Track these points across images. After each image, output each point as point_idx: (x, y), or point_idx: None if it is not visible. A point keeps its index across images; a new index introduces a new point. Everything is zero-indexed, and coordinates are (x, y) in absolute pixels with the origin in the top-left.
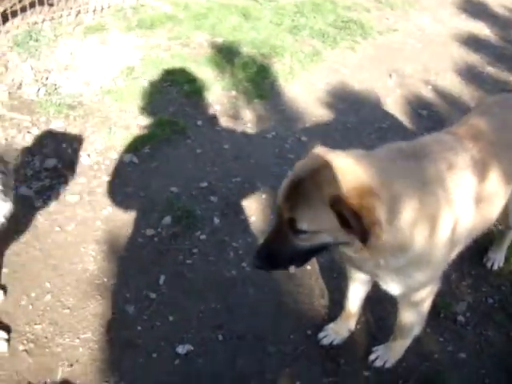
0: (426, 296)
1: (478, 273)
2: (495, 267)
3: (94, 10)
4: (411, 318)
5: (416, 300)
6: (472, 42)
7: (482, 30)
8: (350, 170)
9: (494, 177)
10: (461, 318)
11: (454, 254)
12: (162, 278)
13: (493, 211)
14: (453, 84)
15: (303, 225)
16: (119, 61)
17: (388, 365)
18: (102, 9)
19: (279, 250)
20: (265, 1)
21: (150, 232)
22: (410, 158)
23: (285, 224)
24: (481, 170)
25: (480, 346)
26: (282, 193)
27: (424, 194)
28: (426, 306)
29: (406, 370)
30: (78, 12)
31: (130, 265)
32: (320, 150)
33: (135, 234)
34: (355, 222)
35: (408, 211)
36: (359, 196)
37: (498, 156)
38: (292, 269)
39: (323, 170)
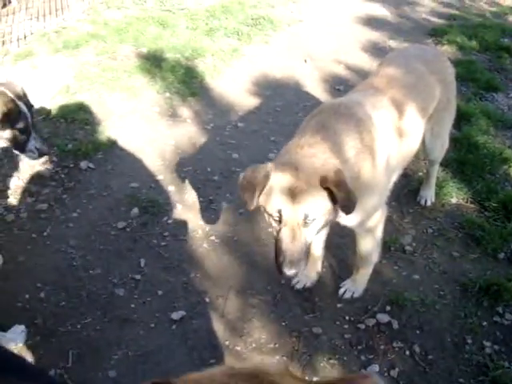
0: (378, 221)
1: (415, 210)
2: (428, 203)
3: (18, 39)
4: (369, 245)
5: (370, 226)
6: (372, 22)
7: (379, 10)
8: (317, 160)
9: (410, 113)
10: (408, 247)
11: (392, 181)
12: (143, 261)
13: (414, 142)
14: (361, 60)
15: (314, 213)
16: (54, 81)
17: (356, 295)
18: (25, 36)
19: (301, 248)
20: (177, 10)
21: (121, 224)
22: (344, 118)
23: (297, 223)
24: (398, 109)
25: (429, 267)
26: (284, 203)
27: (362, 139)
28: (379, 230)
29: (372, 296)
30: (3, 42)
31: (110, 255)
32: (285, 161)
33: (108, 229)
34: (339, 191)
35: (355, 155)
36: (334, 176)
37: (409, 95)
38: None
39: (303, 173)
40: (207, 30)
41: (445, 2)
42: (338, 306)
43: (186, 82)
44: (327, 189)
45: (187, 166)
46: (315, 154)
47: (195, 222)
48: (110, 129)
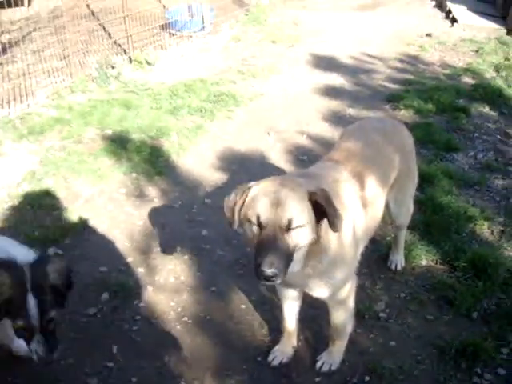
0: (348, 292)
1: (386, 276)
2: (399, 267)
3: None
4: (342, 317)
5: (342, 297)
6: (330, 91)
7: (337, 79)
8: (301, 182)
9: (371, 184)
10: (382, 314)
11: (359, 251)
12: (115, 347)
13: (377, 211)
14: (323, 129)
15: (298, 219)
16: (19, 167)
17: (334, 367)
18: None
19: (282, 253)
20: (140, 90)
21: (92, 310)
22: (310, 179)
23: (280, 227)
24: (359, 181)
25: (404, 332)
26: (265, 207)
27: None
28: (351, 301)
29: (349, 367)
30: None
31: (82, 343)
32: (270, 178)
33: (78, 316)
34: (328, 205)
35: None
36: (321, 192)
37: (369, 168)
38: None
39: (289, 182)
40: (171, 108)
41: (400, 68)
42: (317, 380)
43: (152, 162)
44: (315, 203)
45: (156, 247)
46: None
47: (167, 303)
48: (77, 213)
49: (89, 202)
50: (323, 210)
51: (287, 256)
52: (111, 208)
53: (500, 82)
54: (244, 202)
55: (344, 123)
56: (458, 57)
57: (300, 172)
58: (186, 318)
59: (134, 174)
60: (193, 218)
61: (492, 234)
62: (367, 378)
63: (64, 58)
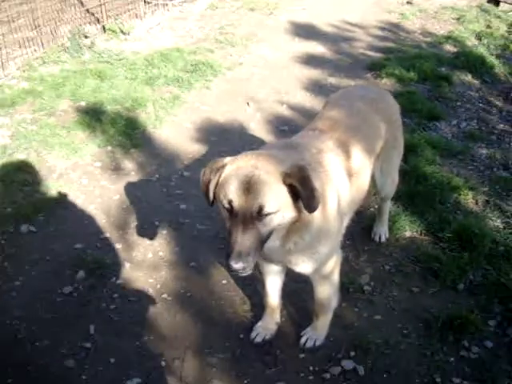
0: (333, 266)
1: (370, 248)
2: (383, 239)
3: None
4: (326, 292)
5: (326, 272)
6: (311, 60)
7: (317, 48)
8: (278, 159)
9: (356, 154)
10: (367, 287)
11: (344, 224)
12: (92, 327)
13: (364, 182)
14: (303, 99)
15: (270, 206)
16: None
17: (318, 343)
18: None
19: (252, 242)
20: (115, 60)
21: (67, 289)
22: (291, 150)
23: (251, 214)
24: (344, 151)
25: (390, 305)
26: (236, 192)
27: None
28: (336, 276)
29: (334, 343)
30: None
31: (58, 324)
32: (245, 154)
33: (54, 295)
34: (303, 188)
35: None
36: (298, 172)
37: (355, 137)
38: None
39: (263, 163)
40: (147, 79)
41: (380, 36)
42: (301, 356)
43: (128, 134)
44: (289, 185)
45: (134, 222)
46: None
47: (145, 280)
48: (50, 188)
49: (63, 177)
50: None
51: (259, 242)
52: (86, 182)
53: (482, 50)
54: (218, 181)
55: (325, 92)
56: (439, 24)
57: (282, 142)
58: (165, 295)
59: (110, 147)
60: (171, 192)
61: (476, 204)
62: (353, 354)
63: (35, 27)
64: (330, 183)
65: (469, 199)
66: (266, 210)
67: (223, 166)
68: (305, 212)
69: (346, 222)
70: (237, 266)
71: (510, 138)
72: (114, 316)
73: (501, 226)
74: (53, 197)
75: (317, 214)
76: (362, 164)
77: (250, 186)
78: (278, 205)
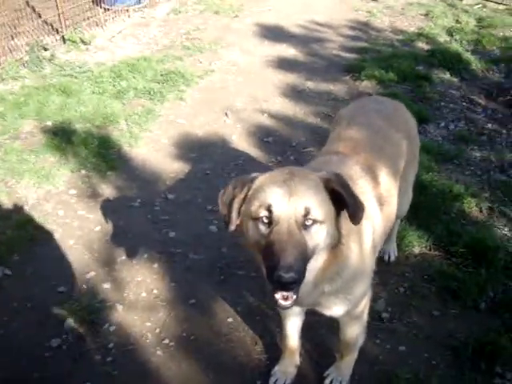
0: (364, 306)
1: (380, 269)
2: (392, 258)
3: None
4: (355, 332)
5: (358, 313)
6: (284, 64)
7: (287, 50)
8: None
9: (384, 179)
10: (385, 314)
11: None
12: None
13: (393, 209)
14: (283, 106)
15: (316, 211)
16: None
17: (344, 383)
18: None
19: (300, 253)
20: (79, 73)
21: (55, 342)
22: None
23: (295, 220)
24: (372, 177)
25: (412, 333)
26: (277, 195)
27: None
28: (366, 315)
29: (360, 381)
30: None
31: None
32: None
33: (40, 350)
34: (347, 193)
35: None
36: (337, 178)
37: (380, 159)
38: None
39: (300, 171)
40: (115, 92)
41: (351, 36)
42: None
43: (102, 155)
44: (331, 191)
45: (120, 256)
46: None
47: (142, 324)
48: (23, 223)
49: (36, 209)
50: (340, 199)
51: (306, 260)
52: (62, 214)
53: (457, 47)
54: (246, 196)
55: (304, 98)
56: (408, 21)
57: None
58: (166, 341)
59: (84, 171)
60: (157, 218)
61: (481, 211)
62: None
63: None
64: (365, 216)
65: (472, 207)
66: (313, 214)
67: (252, 181)
68: (341, 247)
69: (376, 254)
70: (288, 276)
71: (500, 137)
72: (112, 370)
73: (508, 235)
74: (27, 233)
75: (354, 249)
76: (391, 189)
77: (292, 189)
78: (324, 212)
